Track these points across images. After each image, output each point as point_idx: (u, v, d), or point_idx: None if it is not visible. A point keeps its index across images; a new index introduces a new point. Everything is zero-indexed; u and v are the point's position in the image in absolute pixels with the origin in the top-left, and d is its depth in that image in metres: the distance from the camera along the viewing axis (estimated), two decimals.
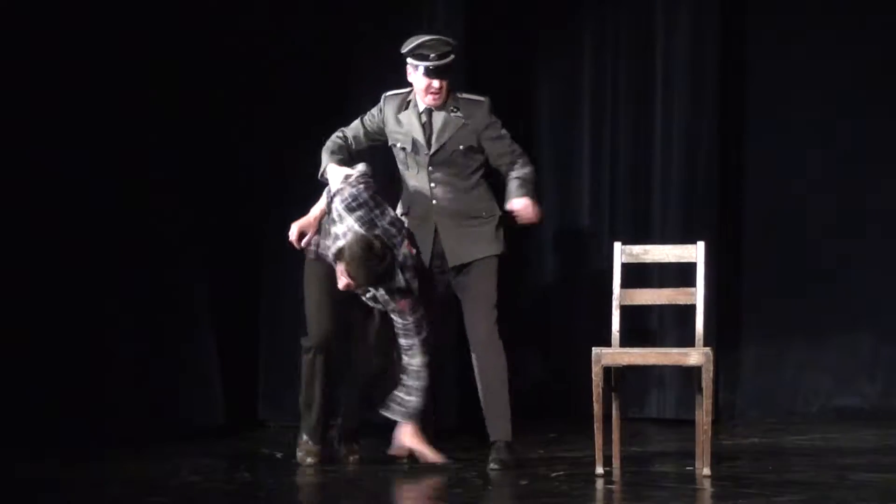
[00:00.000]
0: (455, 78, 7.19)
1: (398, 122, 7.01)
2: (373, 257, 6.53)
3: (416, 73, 6.93)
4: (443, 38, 6.96)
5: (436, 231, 6.96)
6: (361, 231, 6.60)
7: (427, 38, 6.93)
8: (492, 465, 6.74)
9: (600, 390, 6.43)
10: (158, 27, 7.69)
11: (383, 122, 7.03)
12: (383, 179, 7.12)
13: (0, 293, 7.31)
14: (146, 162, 7.61)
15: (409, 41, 6.92)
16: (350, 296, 6.70)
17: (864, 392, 8.36)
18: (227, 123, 7.90)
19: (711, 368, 6.45)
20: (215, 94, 7.82)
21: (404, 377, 6.76)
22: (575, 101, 8.34)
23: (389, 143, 7.05)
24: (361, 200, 6.70)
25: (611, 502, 6.15)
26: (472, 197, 6.98)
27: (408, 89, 7.03)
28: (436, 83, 6.91)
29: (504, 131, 7.00)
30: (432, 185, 6.98)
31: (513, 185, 6.93)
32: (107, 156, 7.52)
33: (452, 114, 6.96)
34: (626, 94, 8.30)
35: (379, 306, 6.77)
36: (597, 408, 6.45)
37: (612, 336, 6.68)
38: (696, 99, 8.19)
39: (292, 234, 6.88)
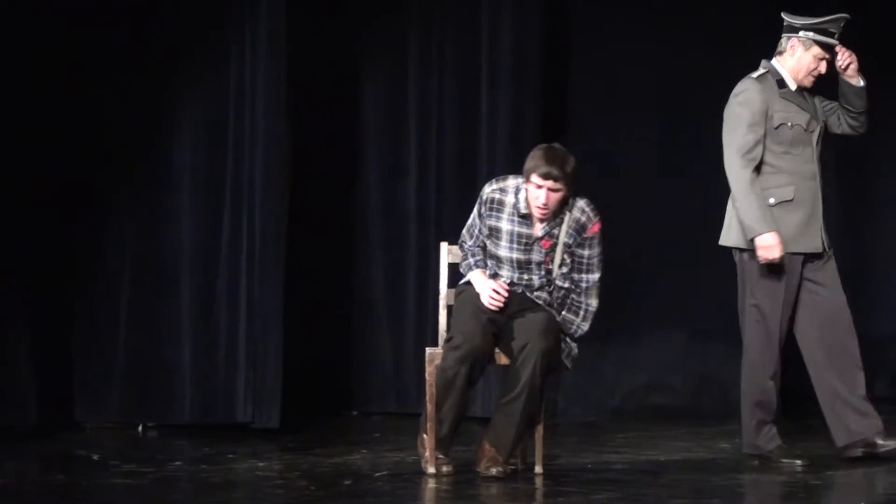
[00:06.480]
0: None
1: (782, 100, 6.66)
2: None
3: (808, 50, 6.65)
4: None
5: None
6: None
7: (838, 15, 6.66)
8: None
9: (433, 390, 6.42)
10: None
11: (766, 104, 6.62)
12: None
13: None
14: None
15: (808, 17, 6.64)
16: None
17: (678, 390, 8.53)
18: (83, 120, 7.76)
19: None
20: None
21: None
22: (402, 102, 8.37)
23: (775, 126, 6.60)
24: None
25: (436, 502, 6.15)
26: None
27: (762, 70, 6.69)
28: (825, 64, 6.68)
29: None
30: (820, 165, 6.69)
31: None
32: None
33: (807, 92, 6.74)
34: (451, 98, 8.33)
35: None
36: (430, 408, 6.43)
37: (440, 336, 6.64)
38: (518, 104, 8.23)
39: None
